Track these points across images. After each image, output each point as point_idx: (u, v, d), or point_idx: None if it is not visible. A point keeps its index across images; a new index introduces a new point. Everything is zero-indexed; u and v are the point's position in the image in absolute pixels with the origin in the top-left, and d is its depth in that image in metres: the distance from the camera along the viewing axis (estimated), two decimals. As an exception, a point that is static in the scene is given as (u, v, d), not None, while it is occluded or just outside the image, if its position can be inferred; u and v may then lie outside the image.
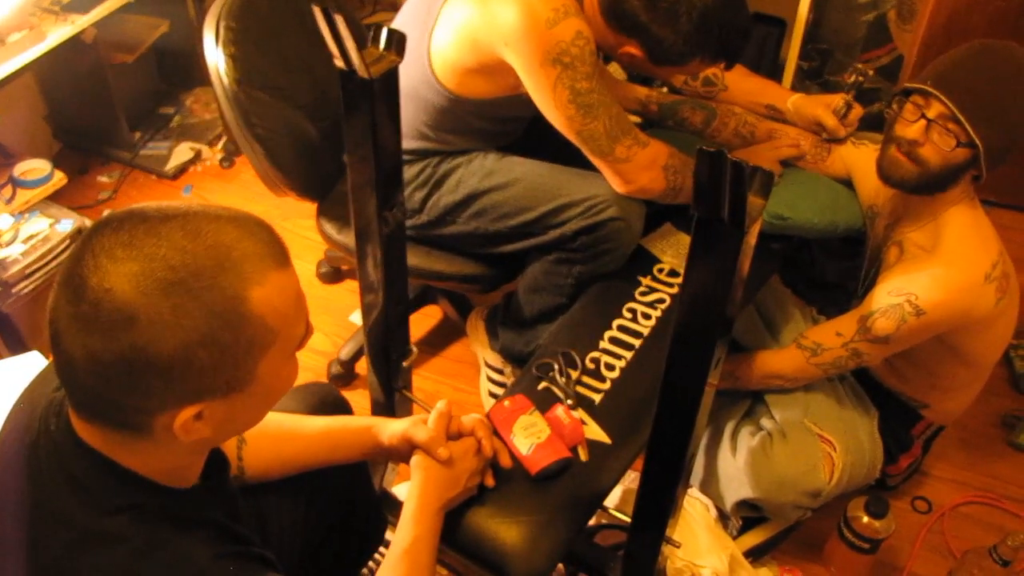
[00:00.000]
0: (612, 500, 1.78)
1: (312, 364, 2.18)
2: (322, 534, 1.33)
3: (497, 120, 1.70)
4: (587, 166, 1.63)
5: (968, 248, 1.54)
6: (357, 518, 1.41)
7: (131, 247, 0.76)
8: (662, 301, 1.66)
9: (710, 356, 0.99)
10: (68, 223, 2.21)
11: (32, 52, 2.19)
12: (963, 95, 1.43)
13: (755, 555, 1.81)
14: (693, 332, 0.98)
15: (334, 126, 1.89)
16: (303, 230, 2.53)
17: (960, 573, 1.70)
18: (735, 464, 1.71)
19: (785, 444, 1.69)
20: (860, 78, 1.78)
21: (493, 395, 2.06)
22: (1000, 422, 2.11)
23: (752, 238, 0.89)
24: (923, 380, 1.76)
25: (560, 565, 1.59)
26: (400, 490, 1.74)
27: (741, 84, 1.88)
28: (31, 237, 2.17)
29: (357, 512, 1.41)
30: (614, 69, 2.03)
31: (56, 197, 2.35)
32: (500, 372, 2.06)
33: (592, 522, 1.71)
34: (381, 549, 1.54)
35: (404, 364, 1.50)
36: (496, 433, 1.35)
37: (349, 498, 1.37)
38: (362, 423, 1.30)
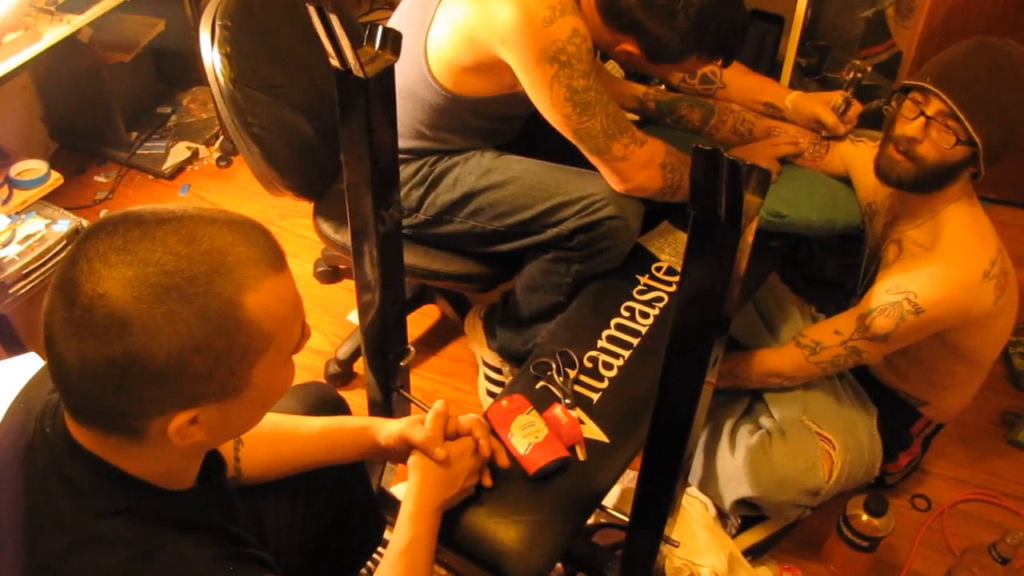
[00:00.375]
0: (610, 499, 1.78)
1: (310, 363, 2.17)
2: (320, 534, 1.32)
3: (494, 118, 1.70)
4: (585, 164, 1.63)
5: (967, 246, 1.54)
6: (355, 518, 1.41)
7: (125, 252, 0.76)
8: (660, 300, 1.65)
9: (708, 355, 0.99)
10: (65, 223, 2.21)
11: (28, 52, 2.18)
12: (962, 92, 1.43)
13: (754, 554, 1.81)
14: (690, 331, 0.98)
15: (330, 125, 1.88)
16: (300, 229, 2.52)
17: (960, 571, 1.70)
18: (734, 463, 1.71)
19: (784, 442, 1.69)
20: (858, 74, 1.77)
21: (491, 394, 2.06)
22: (1000, 419, 2.11)
23: (749, 237, 0.89)
24: (922, 378, 1.76)
25: (559, 564, 1.59)
26: (398, 490, 1.73)
27: (739, 82, 1.88)
28: (28, 238, 2.16)
29: (355, 512, 1.40)
30: (611, 67, 2.03)
31: (53, 197, 2.35)
32: (498, 371, 2.05)
33: (590, 521, 1.71)
34: (379, 549, 1.54)
35: (401, 364, 1.49)
36: (494, 433, 1.35)
37: (347, 498, 1.37)
38: (359, 423, 1.30)
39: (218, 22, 1.72)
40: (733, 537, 1.78)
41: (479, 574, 1.31)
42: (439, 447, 1.23)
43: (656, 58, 1.54)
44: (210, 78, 1.75)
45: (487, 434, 1.30)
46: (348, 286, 2.46)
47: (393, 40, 1.13)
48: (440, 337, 2.31)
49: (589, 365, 1.53)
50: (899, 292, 1.55)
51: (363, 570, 1.60)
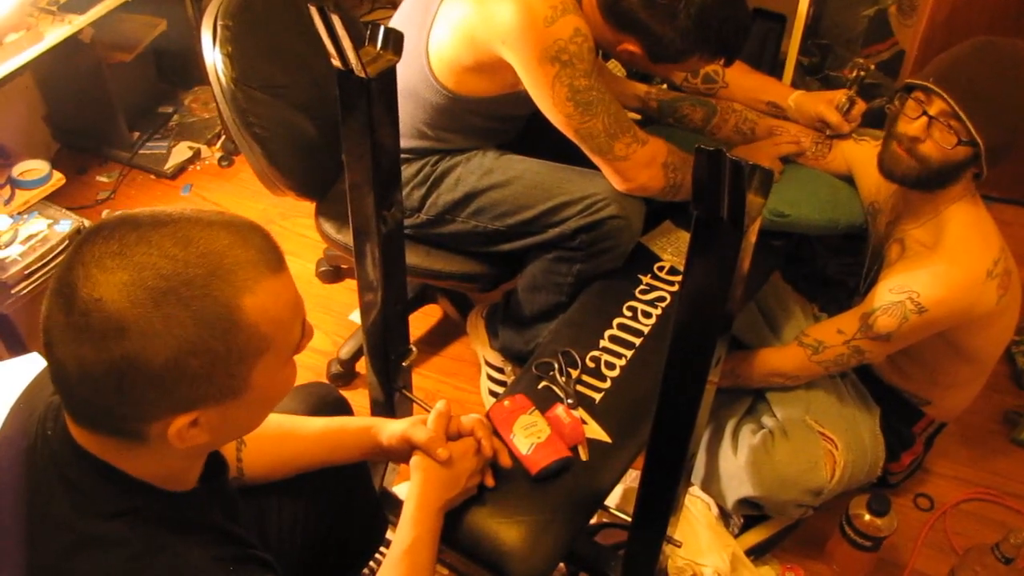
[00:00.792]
0: (613, 499, 1.78)
1: (312, 363, 2.18)
2: (322, 534, 1.32)
3: (496, 118, 1.70)
4: (586, 164, 1.62)
5: (970, 245, 1.54)
6: (357, 518, 1.41)
7: (121, 256, 0.76)
8: (662, 299, 1.65)
9: (710, 354, 0.98)
10: (67, 223, 2.21)
11: (30, 52, 2.19)
12: (965, 93, 1.43)
13: (757, 553, 1.81)
14: (693, 330, 0.98)
15: (332, 125, 1.87)
16: (302, 229, 2.52)
17: (962, 570, 1.70)
18: (736, 462, 1.70)
19: (787, 442, 1.69)
20: (862, 73, 1.77)
21: (493, 394, 2.05)
22: (1002, 419, 2.11)
23: (752, 236, 0.89)
24: (925, 377, 1.76)
25: (561, 564, 1.59)
26: (400, 490, 1.73)
27: (742, 81, 1.87)
28: (30, 238, 2.17)
29: (357, 512, 1.40)
30: (613, 66, 2.02)
31: (55, 197, 2.35)
32: (500, 371, 2.05)
33: (593, 521, 1.71)
34: (382, 549, 1.54)
35: (403, 364, 1.49)
36: (496, 433, 1.35)
37: (349, 498, 1.37)
38: (361, 423, 1.30)
39: (220, 22, 1.72)
40: (736, 537, 1.78)
41: (481, 574, 1.31)
42: (441, 447, 1.23)
43: (658, 58, 1.54)
44: (212, 78, 1.75)
45: (489, 434, 1.30)
46: (350, 286, 2.46)
47: (395, 40, 1.13)
48: (442, 337, 2.31)
49: (591, 365, 1.53)
50: (902, 291, 1.55)
51: (365, 570, 1.60)
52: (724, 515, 1.81)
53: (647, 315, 1.62)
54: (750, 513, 1.78)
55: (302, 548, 1.29)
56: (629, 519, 1.28)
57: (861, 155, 1.76)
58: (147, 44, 2.76)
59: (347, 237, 1.84)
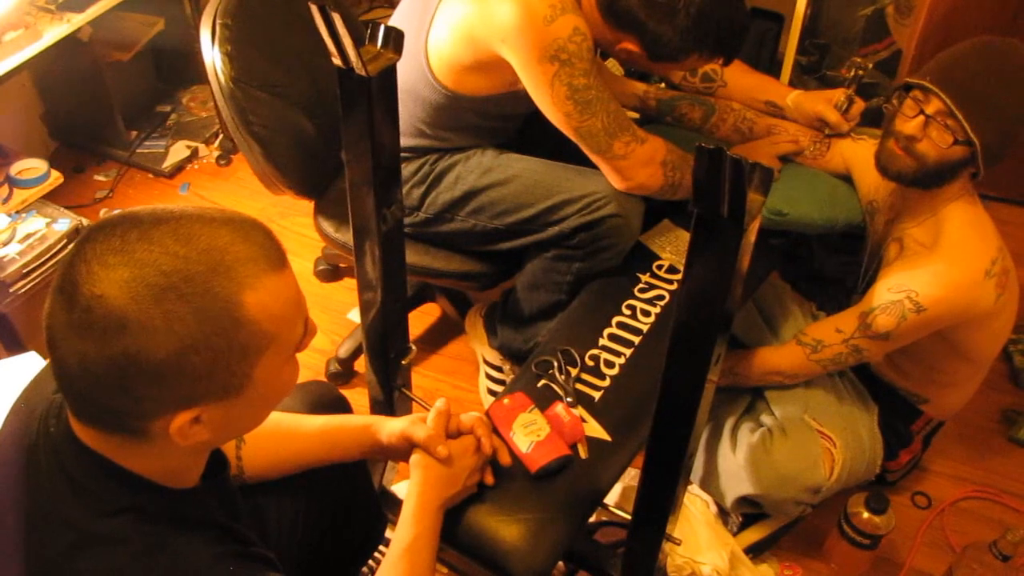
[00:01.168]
0: (611, 498, 1.78)
1: (310, 362, 2.18)
2: (321, 533, 1.32)
3: (495, 117, 1.70)
4: (585, 163, 1.63)
5: (968, 244, 1.54)
6: (356, 517, 1.41)
7: (122, 253, 0.76)
8: (661, 298, 1.65)
9: (710, 353, 0.99)
10: (65, 222, 2.21)
11: (28, 51, 2.18)
12: (962, 93, 1.43)
13: (755, 551, 1.81)
14: (693, 329, 0.98)
15: (331, 124, 1.89)
16: (300, 228, 2.52)
17: (960, 568, 1.70)
18: (735, 461, 1.71)
19: (785, 440, 1.69)
20: (860, 72, 1.77)
21: (492, 393, 2.06)
22: (1000, 417, 2.11)
23: (752, 235, 0.89)
24: (923, 375, 1.76)
25: (560, 563, 1.59)
26: (399, 488, 1.73)
27: (740, 80, 1.88)
28: (28, 236, 2.16)
29: (356, 511, 1.40)
30: (611, 65, 2.02)
31: (53, 196, 2.34)
32: (499, 370, 2.05)
33: (592, 520, 1.71)
34: (381, 548, 1.54)
35: (403, 362, 1.49)
36: (496, 431, 1.35)
37: (348, 497, 1.37)
38: (361, 421, 1.30)
39: (219, 21, 1.72)
40: (734, 535, 1.78)
41: (481, 572, 1.31)
42: (441, 445, 1.23)
43: (657, 57, 1.54)
44: (211, 77, 1.75)
45: (489, 432, 1.31)
46: (348, 284, 2.46)
47: (395, 39, 1.13)
48: (441, 335, 2.31)
49: (591, 363, 1.53)
50: (901, 290, 1.55)
51: (364, 569, 1.60)
52: (723, 513, 1.81)
53: (646, 313, 1.62)
54: (749, 511, 1.79)
55: (301, 546, 1.29)
56: (628, 517, 1.28)
57: (859, 154, 1.77)
58: (145, 43, 2.75)
59: (346, 236, 1.85)
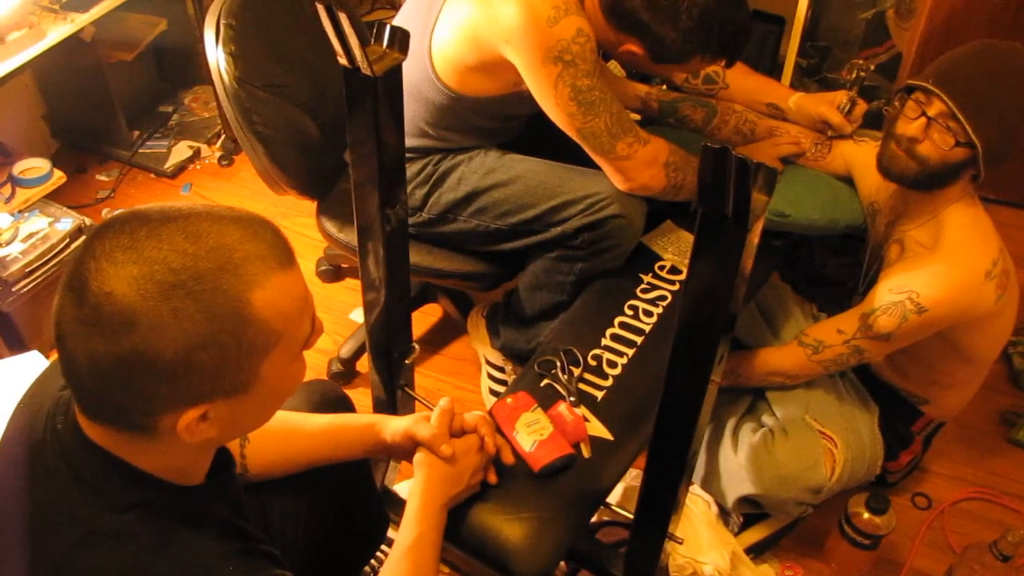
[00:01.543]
0: (613, 498, 1.78)
1: (312, 362, 2.18)
2: (324, 532, 1.33)
3: (498, 117, 1.71)
4: (588, 163, 1.63)
5: (969, 245, 1.55)
6: (359, 516, 1.41)
7: (132, 250, 0.76)
8: (663, 298, 1.66)
9: (713, 353, 0.99)
10: (67, 222, 2.21)
11: (31, 51, 2.18)
12: (964, 95, 1.44)
13: (756, 552, 1.81)
14: (696, 329, 0.98)
15: (334, 124, 1.89)
16: (302, 228, 2.53)
17: (960, 569, 1.70)
18: (736, 461, 1.71)
19: (786, 441, 1.69)
20: (862, 73, 1.78)
21: (494, 393, 2.06)
22: (999, 419, 2.12)
23: (756, 235, 0.90)
24: (924, 376, 1.77)
25: (562, 562, 1.59)
26: (401, 488, 1.74)
27: (742, 83, 1.88)
28: (31, 236, 2.16)
29: (359, 510, 1.41)
30: (613, 66, 2.03)
31: (55, 196, 2.35)
32: (501, 370, 2.06)
33: (594, 519, 1.72)
34: (383, 547, 1.54)
35: (406, 361, 1.50)
36: (499, 430, 1.36)
37: (351, 496, 1.37)
38: (365, 420, 1.30)
39: (223, 21, 1.72)
40: (735, 535, 1.79)
41: (484, 571, 1.31)
42: (445, 444, 1.23)
43: (659, 58, 1.55)
44: (214, 77, 1.75)
45: (492, 431, 1.31)
46: (350, 285, 2.46)
47: (401, 39, 1.13)
48: (443, 336, 2.32)
49: (593, 363, 1.54)
50: (902, 291, 1.56)
51: (367, 568, 1.60)
52: (724, 513, 1.81)
53: (648, 314, 1.63)
54: (750, 511, 1.79)
55: (304, 545, 1.29)
56: (631, 516, 1.28)
57: (861, 156, 1.77)
58: (148, 43, 2.76)
59: (349, 236, 1.85)
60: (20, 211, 2.24)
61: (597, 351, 1.56)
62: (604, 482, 1.39)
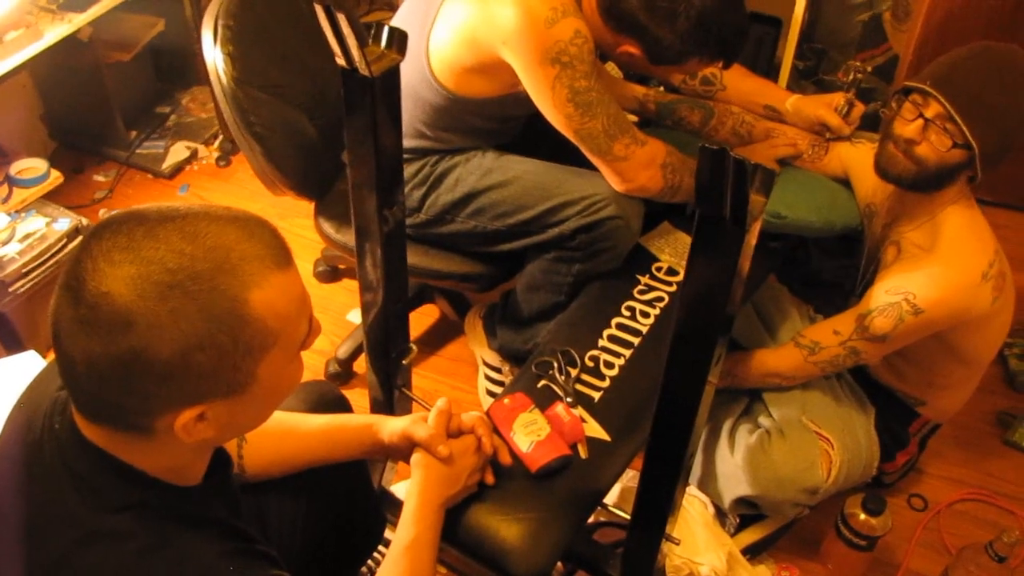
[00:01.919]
0: (610, 499, 1.78)
1: (310, 363, 2.15)
2: (321, 532, 1.33)
3: (495, 119, 1.71)
4: (586, 164, 1.63)
5: (965, 247, 1.55)
6: (356, 517, 1.41)
7: (129, 250, 0.76)
8: (661, 300, 1.66)
9: (710, 354, 0.99)
10: (65, 222, 2.21)
11: (29, 51, 2.19)
12: (961, 97, 1.44)
13: (753, 552, 1.82)
14: (694, 330, 0.99)
15: (332, 125, 1.89)
16: (299, 229, 2.53)
17: (956, 570, 1.71)
18: (733, 462, 1.71)
19: (783, 442, 1.70)
20: (859, 75, 1.78)
21: (491, 394, 2.06)
22: (995, 420, 2.12)
23: (753, 236, 0.90)
24: (920, 378, 1.77)
25: (559, 563, 1.59)
26: (398, 489, 1.74)
27: (740, 84, 1.89)
28: (28, 236, 2.16)
29: (356, 511, 1.41)
30: (611, 68, 2.03)
31: (52, 196, 2.35)
32: (498, 371, 2.06)
33: (591, 520, 1.72)
34: (380, 548, 1.54)
35: (404, 362, 1.50)
36: (496, 431, 1.36)
37: (348, 497, 1.37)
38: (362, 421, 1.30)
39: (220, 21, 1.72)
40: (732, 536, 1.79)
41: (481, 572, 1.31)
42: (442, 444, 1.23)
43: (657, 60, 1.55)
44: (212, 77, 1.75)
45: (489, 432, 1.31)
46: (347, 286, 2.46)
47: (399, 39, 1.13)
48: (440, 337, 2.32)
49: (590, 364, 1.54)
50: (898, 293, 1.56)
51: (364, 569, 1.60)
52: (720, 514, 1.82)
53: (645, 315, 1.63)
54: (746, 512, 1.79)
55: (301, 546, 1.29)
56: (628, 517, 1.29)
57: (857, 157, 1.78)
58: (145, 44, 2.76)
59: (347, 237, 1.85)
60: (17, 211, 2.24)
61: (594, 352, 1.56)
62: (601, 483, 1.39)
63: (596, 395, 1.49)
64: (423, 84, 1.62)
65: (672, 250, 1.76)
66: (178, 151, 2.88)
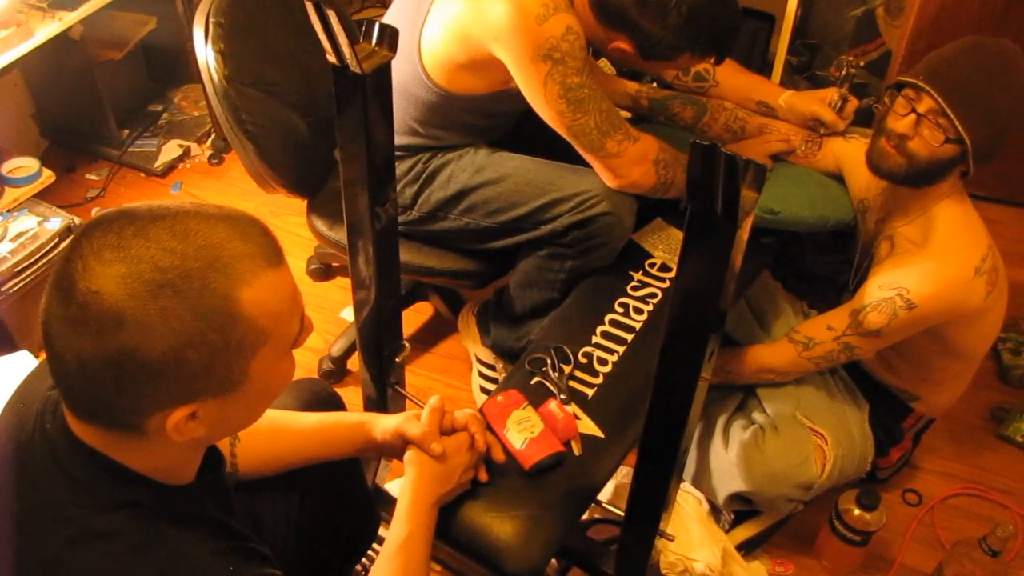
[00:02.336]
0: (604, 495, 1.79)
1: (303, 361, 2.15)
2: (315, 531, 1.32)
3: (487, 115, 1.70)
4: (578, 161, 1.63)
5: (958, 242, 1.56)
6: (350, 515, 1.41)
7: (119, 249, 0.76)
8: (654, 296, 1.66)
9: (703, 350, 0.99)
10: (57, 221, 2.20)
11: (20, 49, 2.18)
12: (953, 92, 1.44)
13: (747, 548, 1.82)
14: (686, 326, 0.99)
15: (324, 123, 1.89)
16: (292, 227, 2.52)
17: (950, 564, 1.71)
18: (727, 458, 1.72)
19: (777, 437, 1.70)
20: (851, 71, 1.79)
21: (484, 391, 2.06)
22: (989, 415, 2.13)
23: (745, 232, 0.90)
24: (913, 373, 1.77)
25: (553, 559, 1.59)
26: (392, 487, 1.74)
27: (732, 80, 1.88)
28: (20, 235, 2.16)
29: (350, 509, 1.40)
30: (603, 64, 2.03)
31: (44, 195, 2.34)
32: (491, 368, 2.06)
33: (585, 516, 1.72)
34: (374, 546, 1.54)
35: (397, 360, 1.50)
36: (489, 428, 1.36)
37: (342, 495, 1.37)
38: (355, 419, 1.30)
39: (212, 19, 1.72)
40: (726, 532, 1.79)
41: (475, 569, 1.31)
42: (435, 442, 1.23)
43: (649, 55, 1.55)
44: (204, 75, 1.75)
45: (483, 429, 1.31)
46: (341, 284, 2.46)
47: (390, 36, 1.13)
48: (433, 334, 2.32)
49: (584, 361, 1.54)
50: (892, 288, 1.56)
51: (358, 567, 1.60)
52: (715, 510, 1.82)
53: (639, 311, 1.63)
54: (741, 508, 1.79)
55: (295, 544, 1.29)
56: (622, 514, 1.29)
57: (851, 153, 1.78)
58: (137, 42, 2.75)
59: (339, 234, 1.85)
60: (9, 210, 2.23)
61: (588, 349, 1.56)
62: (595, 479, 1.39)
63: (590, 392, 1.49)
64: (415, 81, 1.62)
65: (665, 246, 1.76)
66: (170, 149, 2.87)
